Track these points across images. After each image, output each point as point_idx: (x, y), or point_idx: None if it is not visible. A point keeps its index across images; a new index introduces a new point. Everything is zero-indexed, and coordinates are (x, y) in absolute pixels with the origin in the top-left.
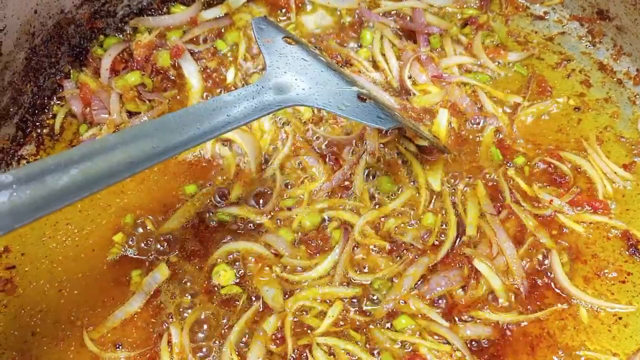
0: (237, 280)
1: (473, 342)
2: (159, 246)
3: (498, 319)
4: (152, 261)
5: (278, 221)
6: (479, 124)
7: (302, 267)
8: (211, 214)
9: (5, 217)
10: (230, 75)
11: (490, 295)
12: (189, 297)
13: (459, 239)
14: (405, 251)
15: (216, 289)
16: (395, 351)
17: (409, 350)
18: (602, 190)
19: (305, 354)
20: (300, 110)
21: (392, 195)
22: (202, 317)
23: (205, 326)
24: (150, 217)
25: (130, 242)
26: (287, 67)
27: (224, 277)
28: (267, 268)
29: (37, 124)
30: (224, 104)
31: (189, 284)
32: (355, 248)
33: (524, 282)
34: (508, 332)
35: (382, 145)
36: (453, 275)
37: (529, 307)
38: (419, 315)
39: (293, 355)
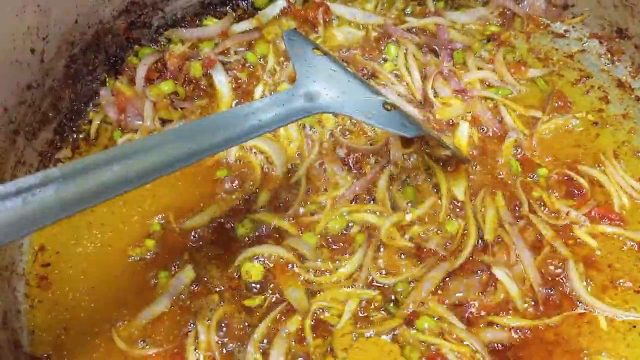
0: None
1: (491, 345)
2: (185, 247)
3: (515, 324)
4: (179, 263)
5: (301, 226)
6: (499, 137)
7: (325, 270)
8: (234, 224)
9: (53, 208)
10: (258, 91)
11: (507, 302)
12: (214, 297)
13: (478, 246)
14: (426, 256)
15: (241, 288)
16: (420, 348)
17: (433, 351)
18: (618, 202)
19: (326, 351)
20: (326, 121)
21: (414, 203)
22: (227, 316)
23: (229, 325)
24: (178, 218)
25: (158, 246)
26: (316, 77)
27: (254, 273)
28: (291, 270)
29: (73, 129)
30: (256, 110)
31: (214, 284)
32: (378, 252)
33: (541, 289)
34: (525, 337)
35: (406, 156)
36: (472, 281)
37: (545, 313)
38: (439, 318)
39: (314, 354)
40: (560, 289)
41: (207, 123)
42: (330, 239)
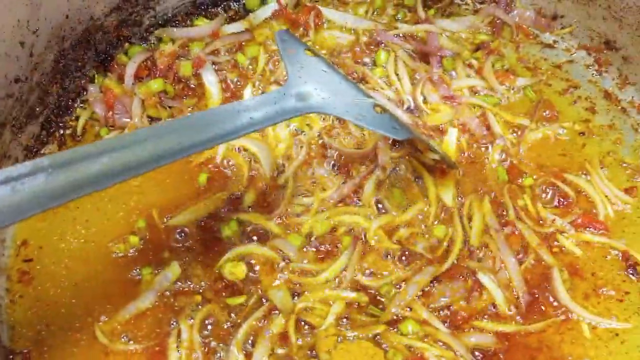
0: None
1: (475, 350)
2: (170, 245)
3: (499, 329)
4: (164, 260)
5: (287, 227)
6: (486, 144)
7: (310, 271)
8: (220, 224)
9: (41, 197)
10: (247, 93)
11: (491, 307)
12: (198, 296)
13: (464, 251)
14: (413, 259)
15: (225, 288)
16: (404, 351)
17: (417, 355)
18: (603, 212)
19: (309, 353)
20: (315, 122)
21: (402, 207)
22: (210, 315)
23: (212, 324)
24: (164, 216)
25: (142, 243)
26: (307, 77)
27: (237, 271)
28: (276, 270)
29: (60, 124)
30: (247, 107)
31: (198, 283)
32: (364, 254)
33: (525, 295)
34: (509, 343)
35: (394, 160)
36: (457, 286)
37: (529, 319)
38: (423, 322)
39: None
40: (545, 295)
41: (198, 119)
42: (316, 241)
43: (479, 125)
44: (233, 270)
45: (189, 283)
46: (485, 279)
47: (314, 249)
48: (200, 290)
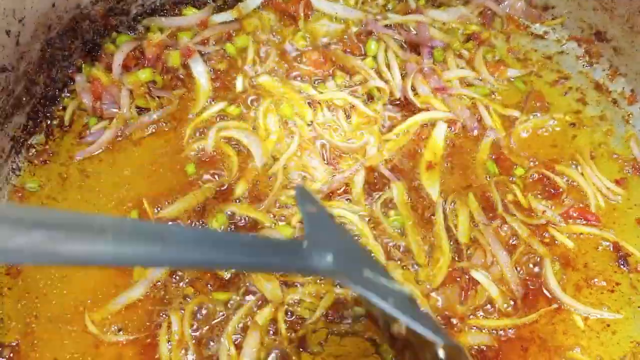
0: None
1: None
2: None
3: (496, 324)
4: None
5: (275, 218)
6: (476, 137)
7: None
8: (209, 215)
9: None
10: (239, 82)
11: (489, 306)
12: (189, 287)
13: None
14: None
15: (215, 280)
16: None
17: None
18: (594, 203)
19: (299, 345)
20: (305, 114)
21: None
22: (201, 307)
23: (203, 316)
24: (154, 207)
25: None
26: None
27: None
28: None
29: (47, 114)
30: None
31: (188, 275)
32: None
33: (518, 288)
34: (503, 337)
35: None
36: (451, 291)
37: (523, 311)
38: None
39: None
40: (537, 286)
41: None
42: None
43: (469, 116)
44: None
45: (180, 274)
46: (478, 275)
47: None
48: (191, 282)
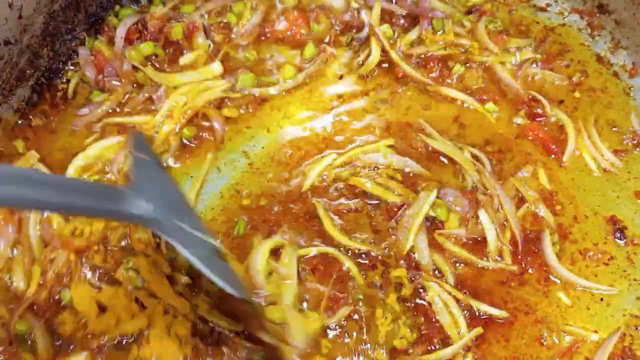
0: None
1: (465, 312)
2: None
3: (484, 264)
4: None
5: None
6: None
7: None
8: None
9: None
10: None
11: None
12: None
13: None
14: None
15: None
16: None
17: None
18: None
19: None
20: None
21: None
22: None
23: None
24: None
25: None
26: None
27: None
28: None
29: (51, 87)
30: None
31: None
32: None
33: (520, 233)
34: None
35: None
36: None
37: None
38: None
39: None
40: (534, 252)
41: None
42: None
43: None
44: None
45: None
46: (484, 216)
47: None
48: None
